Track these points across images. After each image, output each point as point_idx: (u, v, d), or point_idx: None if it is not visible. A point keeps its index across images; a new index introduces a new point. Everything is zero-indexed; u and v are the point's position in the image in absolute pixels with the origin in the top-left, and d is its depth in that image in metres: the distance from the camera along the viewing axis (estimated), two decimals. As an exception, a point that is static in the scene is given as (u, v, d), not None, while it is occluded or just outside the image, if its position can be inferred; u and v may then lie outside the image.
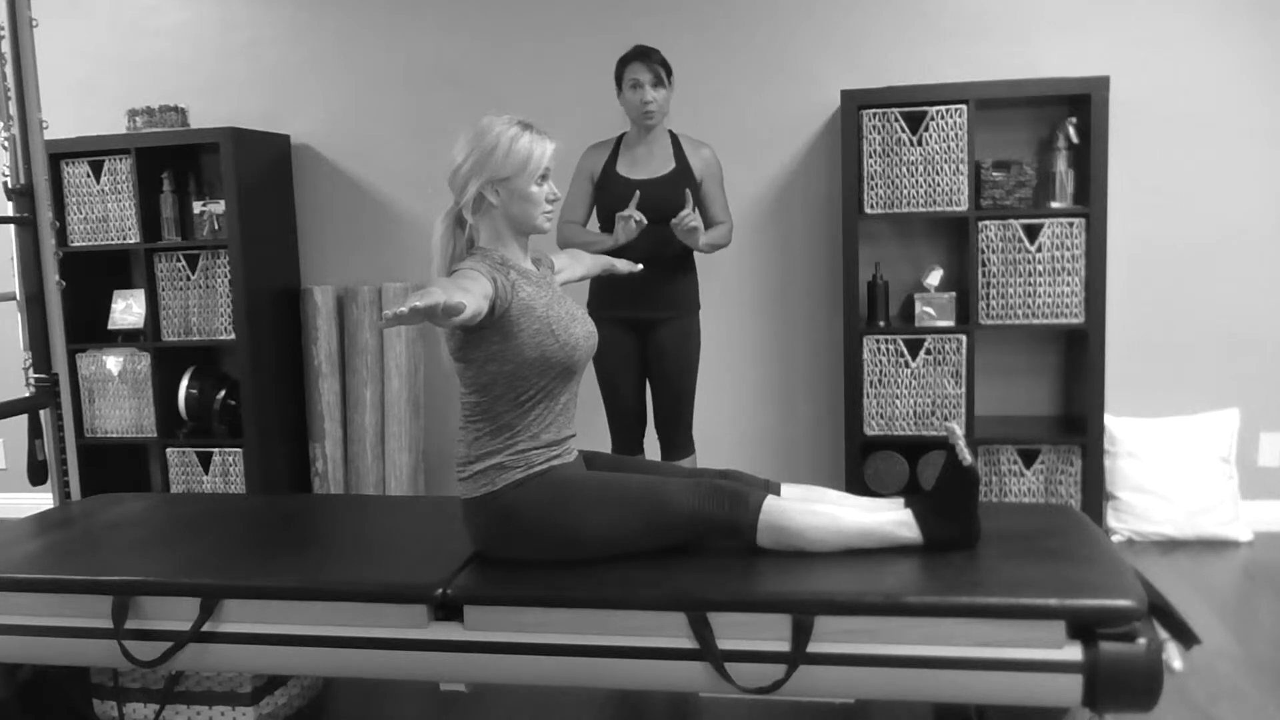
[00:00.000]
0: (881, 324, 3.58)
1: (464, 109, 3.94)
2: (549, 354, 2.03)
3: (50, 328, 2.97)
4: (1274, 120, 3.53)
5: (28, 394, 2.97)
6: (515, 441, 2.05)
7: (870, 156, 3.47)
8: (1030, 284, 3.44)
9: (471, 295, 1.85)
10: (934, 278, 3.58)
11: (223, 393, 4.00)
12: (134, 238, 3.93)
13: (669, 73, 3.09)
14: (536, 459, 2.06)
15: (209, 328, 3.94)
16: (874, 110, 3.46)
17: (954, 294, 3.54)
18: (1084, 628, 1.78)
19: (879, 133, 3.46)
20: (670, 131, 3.18)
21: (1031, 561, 1.95)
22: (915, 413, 3.54)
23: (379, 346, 3.94)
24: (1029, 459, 3.54)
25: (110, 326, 4.09)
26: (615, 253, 2.90)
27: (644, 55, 3.06)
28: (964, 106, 3.37)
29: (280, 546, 2.33)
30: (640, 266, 2.74)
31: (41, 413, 2.98)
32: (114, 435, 4.06)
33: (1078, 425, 3.50)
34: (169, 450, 3.98)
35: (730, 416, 3.94)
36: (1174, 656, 1.77)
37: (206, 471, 3.96)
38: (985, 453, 3.55)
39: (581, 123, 3.41)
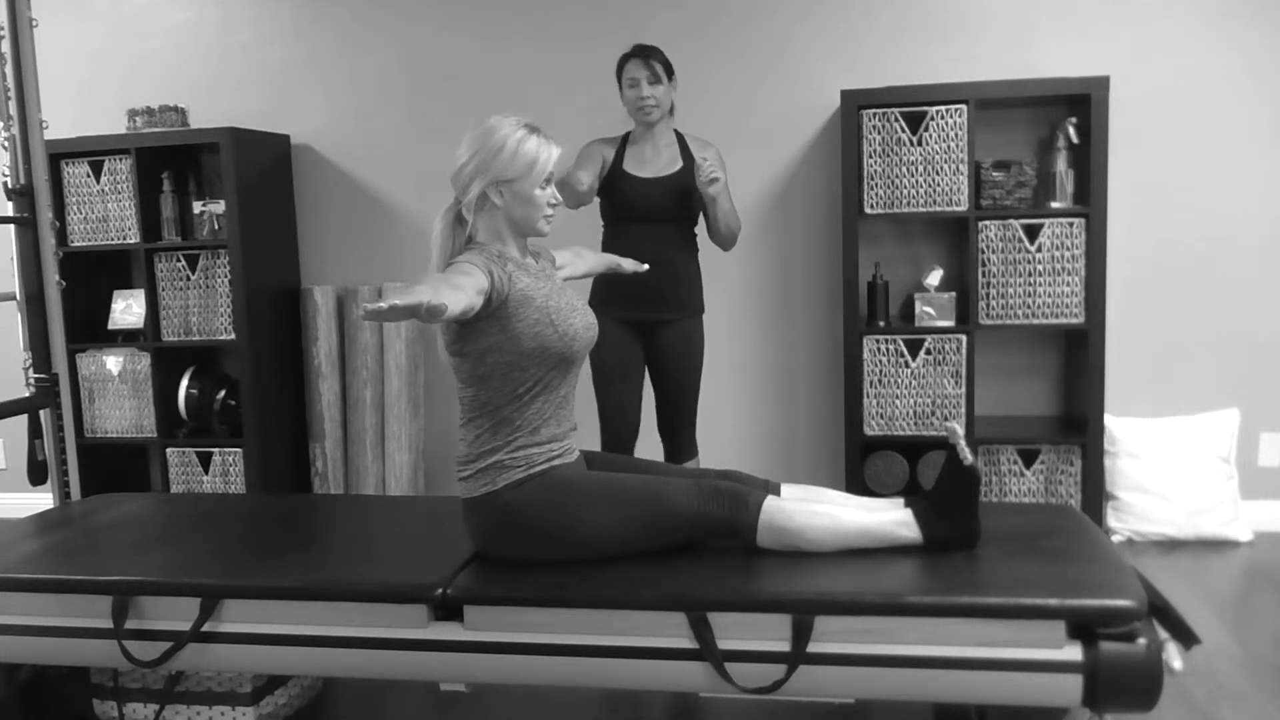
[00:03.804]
0: (881, 324, 3.58)
1: (464, 109, 3.94)
2: (547, 344, 2.03)
3: (50, 328, 2.97)
4: (1274, 120, 3.53)
5: (28, 394, 2.97)
6: (515, 438, 2.05)
7: (870, 156, 3.47)
8: (1030, 284, 3.44)
9: (463, 291, 1.85)
10: (934, 278, 3.58)
11: (223, 393, 4.00)
12: (134, 238, 3.93)
13: (669, 71, 3.07)
14: (537, 458, 2.06)
15: (209, 328, 3.94)
16: (874, 110, 3.46)
17: (954, 294, 3.54)
18: (1084, 628, 1.78)
19: (879, 133, 3.46)
20: (676, 131, 3.17)
21: (1031, 561, 1.95)
22: (915, 413, 3.54)
23: (379, 346, 3.94)
24: (1029, 459, 3.54)
25: (110, 326, 4.09)
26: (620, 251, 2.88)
27: (642, 53, 3.05)
28: (964, 106, 3.37)
29: (280, 546, 2.33)
30: (646, 267, 2.71)
31: (41, 413, 2.98)
32: (114, 435, 4.06)
33: (1078, 425, 3.50)
34: (169, 450, 3.98)
35: (731, 416, 3.94)
36: (1174, 656, 1.77)
37: (206, 471, 3.96)
38: (985, 453, 3.55)
39: (581, 124, 3.40)
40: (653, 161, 3.11)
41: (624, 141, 3.15)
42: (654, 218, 3.06)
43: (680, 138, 3.16)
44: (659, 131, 3.11)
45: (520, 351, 2.02)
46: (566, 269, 2.41)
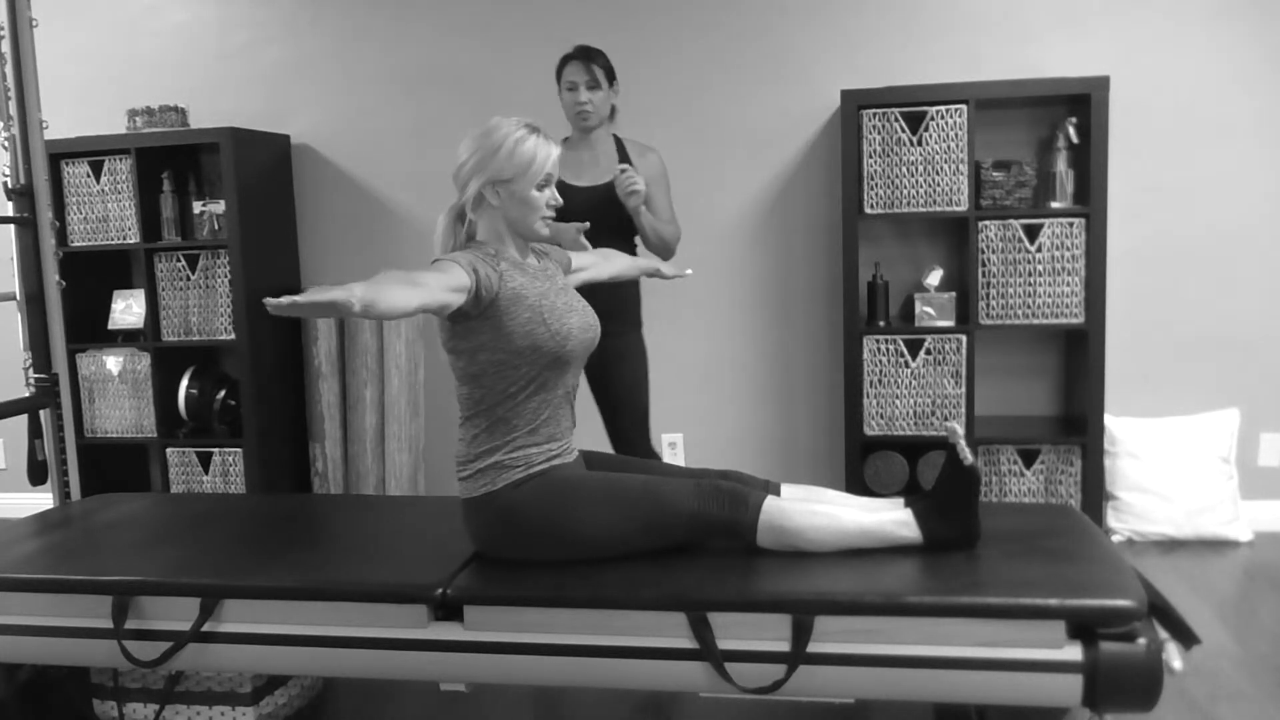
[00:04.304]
0: (881, 324, 3.58)
1: (463, 109, 3.94)
2: (539, 343, 2.02)
3: (50, 328, 2.97)
4: (1274, 120, 3.53)
5: (28, 394, 2.97)
6: (513, 438, 2.05)
7: (870, 156, 3.47)
8: (1030, 284, 3.44)
9: (422, 289, 1.83)
10: (934, 278, 3.58)
11: (223, 393, 4.00)
12: (134, 238, 3.93)
13: (611, 75, 2.98)
14: (536, 458, 2.06)
15: (209, 328, 3.94)
16: (874, 110, 3.45)
17: (954, 294, 3.54)
18: (1084, 628, 1.78)
19: (879, 133, 3.46)
20: (615, 136, 3.06)
21: (1031, 561, 1.95)
22: (915, 413, 3.54)
23: (379, 347, 3.94)
24: (1029, 459, 3.54)
25: (110, 326, 4.09)
26: None
27: (583, 55, 2.96)
28: (964, 106, 3.37)
29: (280, 546, 2.33)
30: (689, 271, 2.62)
31: (41, 413, 2.98)
32: (114, 435, 4.06)
33: (1078, 425, 3.50)
34: (169, 450, 3.98)
35: (730, 416, 3.94)
36: (1174, 656, 1.77)
37: (206, 471, 3.96)
38: (985, 453, 3.55)
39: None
40: (590, 169, 3.00)
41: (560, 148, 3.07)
42: (591, 227, 2.91)
43: (620, 143, 3.05)
44: (597, 138, 3.01)
45: (512, 350, 2.01)
46: (588, 272, 2.40)
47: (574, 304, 2.14)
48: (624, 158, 3.01)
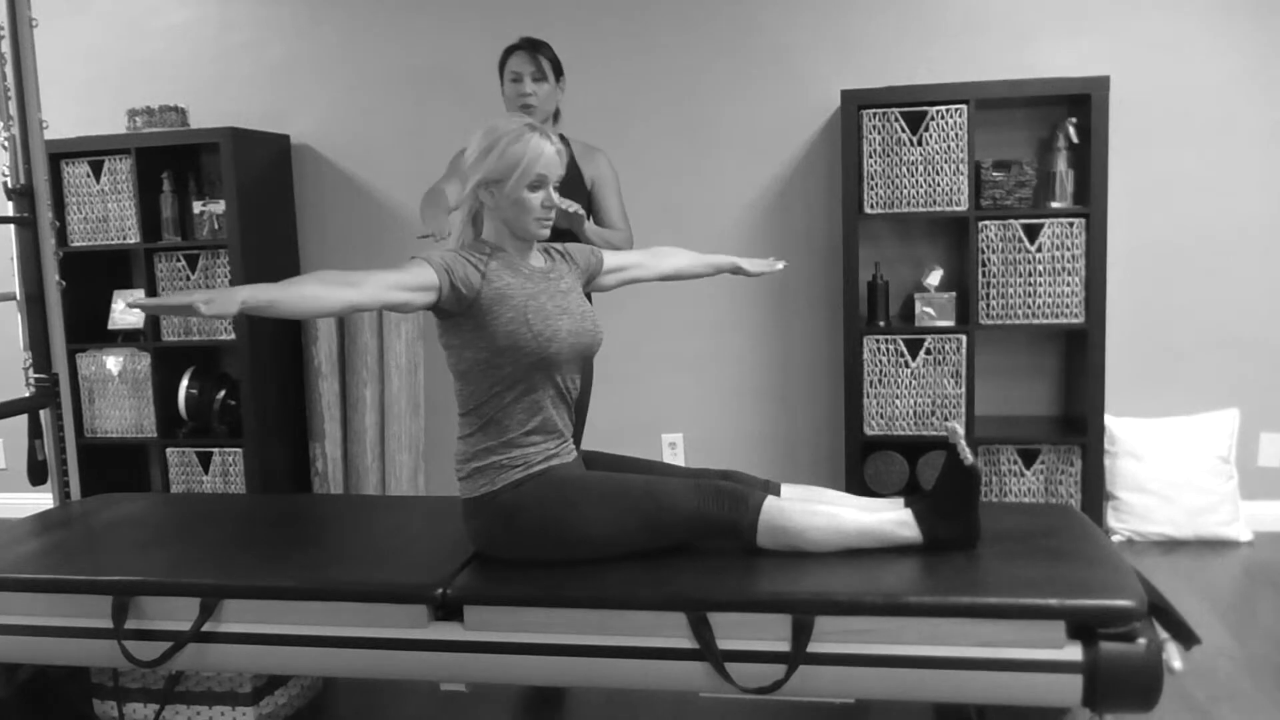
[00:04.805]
0: (881, 324, 3.58)
1: (463, 109, 3.94)
2: (521, 343, 2.01)
3: (50, 328, 2.97)
4: (1274, 120, 3.53)
5: (28, 394, 2.97)
6: (508, 438, 2.05)
7: (870, 156, 3.47)
8: (1030, 284, 3.44)
9: (355, 288, 1.85)
10: (934, 278, 3.58)
11: (223, 393, 4.00)
12: (134, 238, 3.93)
13: (558, 70, 2.91)
14: (535, 458, 2.06)
15: (209, 328, 3.94)
16: (874, 110, 3.45)
17: (954, 294, 3.54)
18: (1084, 628, 1.78)
19: (879, 133, 3.46)
20: (561, 135, 2.95)
21: (1031, 561, 1.95)
22: (915, 413, 3.54)
23: (379, 347, 3.94)
24: (1029, 459, 3.54)
25: (110, 326, 4.09)
26: None
27: (529, 46, 2.89)
28: (964, 106, 3.37)
29: (280, 546, 2.33)
30: (782, 264, 2.46)
31: (41, 413, 2.98)
32: (114, 435, 4.06)
33: (1078, 425, 3.50)
34: (169, 450, 3.98)
35: (730, 416, 3.94)
36: (1174, 656, 1.77)
37: (206, 471, 3.96)
38: (985, 453, 3.55)
39: (580, 125, 3.41)
40: None
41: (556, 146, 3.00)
42: None
43: (566, 143, 2.89)
44: None
45: (495, 349, 2.01)
46: (629, 272, 2.36)
47: (569, 307, 2.12)
48: (570, 158, 2.91)
